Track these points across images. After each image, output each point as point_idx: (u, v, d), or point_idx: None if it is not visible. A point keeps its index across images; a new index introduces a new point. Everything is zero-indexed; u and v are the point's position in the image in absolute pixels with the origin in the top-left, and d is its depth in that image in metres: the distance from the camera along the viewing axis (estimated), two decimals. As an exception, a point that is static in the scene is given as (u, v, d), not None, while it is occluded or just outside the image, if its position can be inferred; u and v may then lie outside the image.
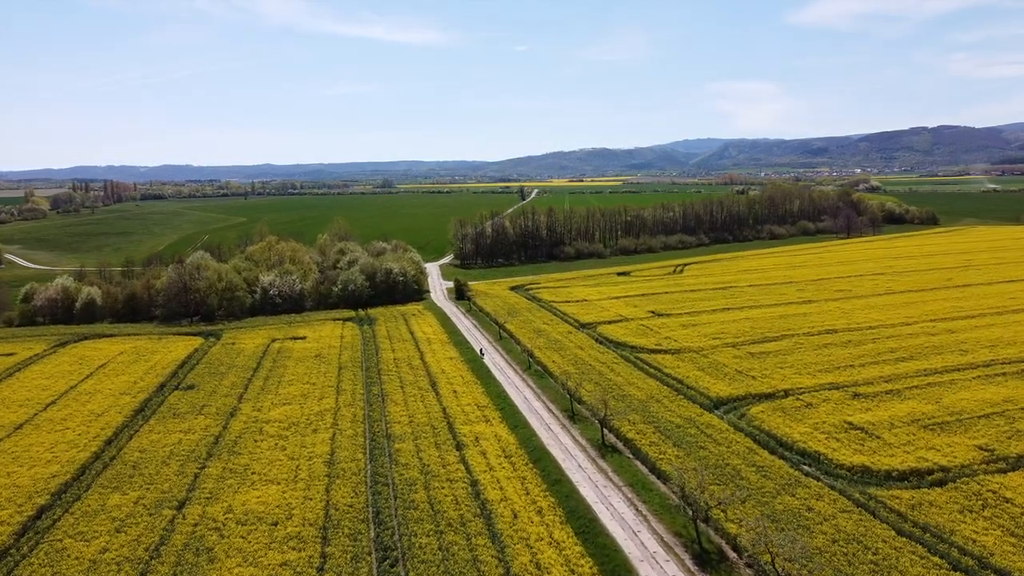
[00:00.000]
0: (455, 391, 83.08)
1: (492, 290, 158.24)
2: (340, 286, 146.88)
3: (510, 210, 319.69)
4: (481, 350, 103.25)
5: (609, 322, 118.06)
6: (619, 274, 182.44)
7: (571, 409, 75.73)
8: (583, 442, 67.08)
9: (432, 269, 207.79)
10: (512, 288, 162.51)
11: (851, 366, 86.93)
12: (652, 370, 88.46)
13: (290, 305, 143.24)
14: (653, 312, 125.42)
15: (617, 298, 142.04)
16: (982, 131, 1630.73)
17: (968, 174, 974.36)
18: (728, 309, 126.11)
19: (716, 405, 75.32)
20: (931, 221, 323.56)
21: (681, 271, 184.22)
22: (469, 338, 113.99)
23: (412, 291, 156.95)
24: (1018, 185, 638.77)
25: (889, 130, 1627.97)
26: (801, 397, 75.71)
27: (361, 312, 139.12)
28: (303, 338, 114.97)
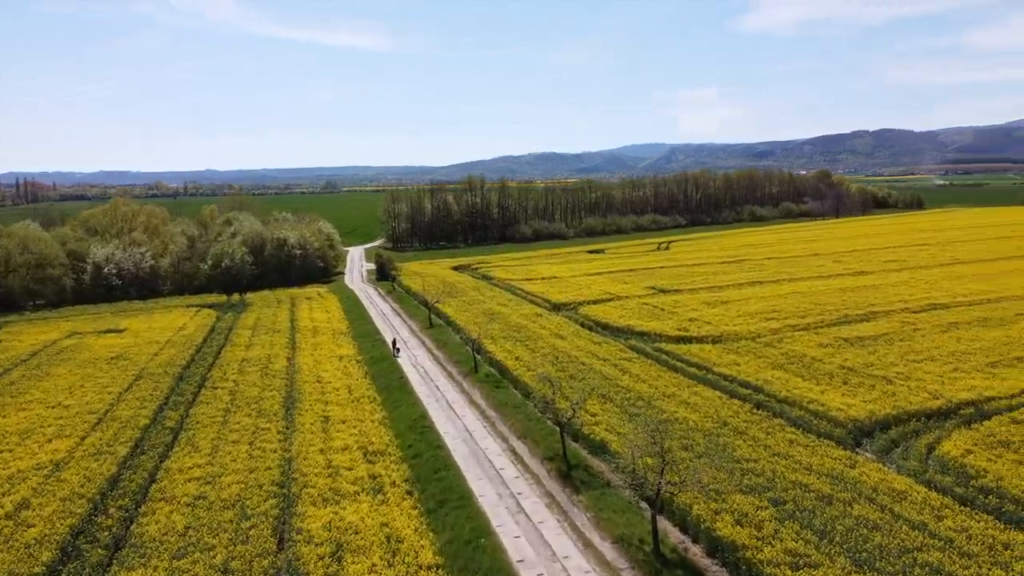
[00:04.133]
0: (327, 417, 42.58)
1: (428, 270, 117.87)
2: (211, 262, 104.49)
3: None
4: (395, 343, 62.96)
5: (596, 301, 79.20)
6: (591, 252, 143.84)
7: (565, 456, 35.93)
8: (609, 552, 27.21)
9: (355, 252, 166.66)
10: (455, 268, 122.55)
11: (1036, 356, 49.70)
12: (693, 369, 49.64)
13: (139, 289, 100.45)
14: (655, 288, 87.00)
15: (598, 274, 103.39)
16: (920, 135, 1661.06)
17: (913, 174, 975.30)
18: (760, 283, 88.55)
19: (856, 436, 36.76)
20: (917, 205, 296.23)
21: (667, 248, 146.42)
22: (383, 327, 73.82)
23: (316, 270, 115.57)
24: (963, 181, 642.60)
25: (832, 133, 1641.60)
26: (1015, 416, 37.73)
27: (236, 296, 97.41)
28: (121, 331, 72.98)
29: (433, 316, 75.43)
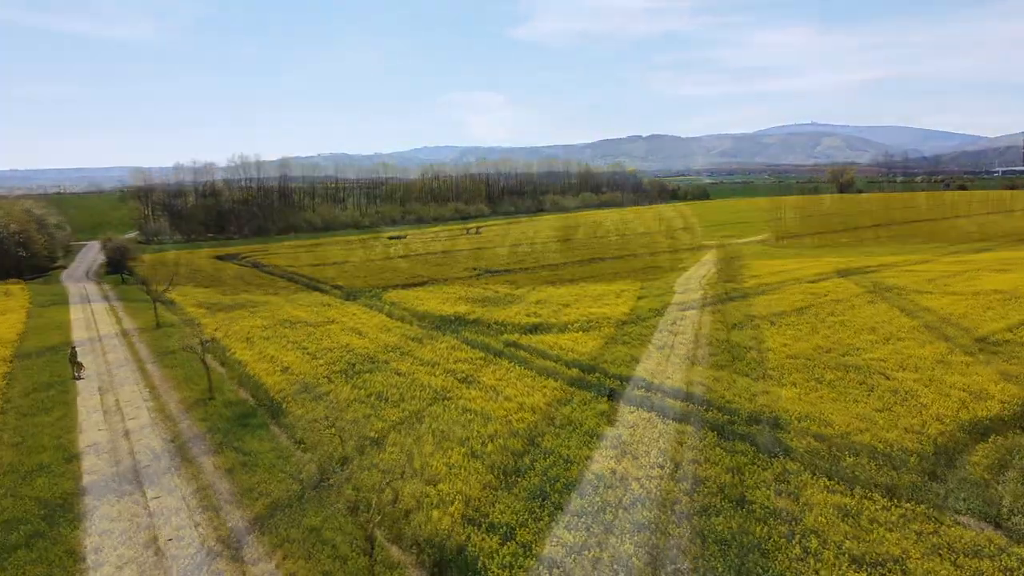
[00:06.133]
0: None
1: (180, 259, 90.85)
2: None
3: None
4: (74, 355, 37.28)
5: (406, 285, 58.86)
6: (391, 238, 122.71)
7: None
8: None
9: (96, 245, 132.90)
10: (219, 257, 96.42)
11: None
12: (573, 371, 30.88)
13: None
14: (478, 269, 68.24)
15: (403, 257, 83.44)
16: (687, 140, 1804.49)
17: (684, 175, 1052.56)
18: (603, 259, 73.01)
19: (923, 478, 19.53)
20: (704, 196, 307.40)
21: (477, 232, 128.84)
22: (83, 333, 48.01)
23: (15, 262, 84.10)
24: (730, 180, 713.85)
25: (611, 138, 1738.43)
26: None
27: None
28: None
29: (167, 313, 50.87)
